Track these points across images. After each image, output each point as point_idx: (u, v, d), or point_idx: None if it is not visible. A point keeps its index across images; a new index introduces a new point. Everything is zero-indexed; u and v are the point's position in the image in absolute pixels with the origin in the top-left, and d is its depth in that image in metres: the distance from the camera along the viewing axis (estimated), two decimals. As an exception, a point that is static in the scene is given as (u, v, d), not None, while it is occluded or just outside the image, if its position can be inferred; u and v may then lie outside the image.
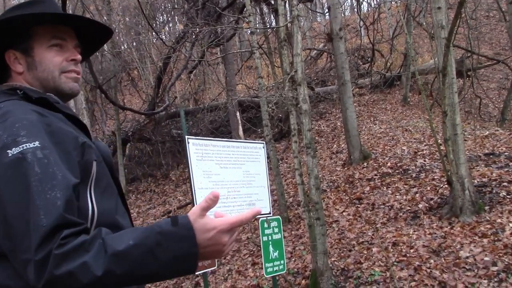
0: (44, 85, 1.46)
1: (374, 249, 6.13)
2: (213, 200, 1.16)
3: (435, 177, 7.76)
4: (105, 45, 18.13)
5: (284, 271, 4.60)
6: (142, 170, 14.54)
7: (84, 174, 1.30)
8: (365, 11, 22.10)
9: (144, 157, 15.22)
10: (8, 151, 1.17)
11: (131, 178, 14.55)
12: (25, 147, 1.18)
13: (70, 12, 14.09)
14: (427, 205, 6.91)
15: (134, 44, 20.72)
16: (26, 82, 1.46)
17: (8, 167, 1.16)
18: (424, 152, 9.15)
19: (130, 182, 14.50)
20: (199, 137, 3.56)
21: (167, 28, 21.93)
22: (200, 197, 3.28)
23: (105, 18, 14.57)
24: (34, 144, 1.19)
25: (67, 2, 7.31)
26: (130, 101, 22.44)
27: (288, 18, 6.48)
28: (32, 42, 1.46)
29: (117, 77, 15.99)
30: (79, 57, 1.52)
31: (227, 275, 7.32)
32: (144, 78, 19.10)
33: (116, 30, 19.85)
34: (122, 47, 21.08)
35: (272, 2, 12.43)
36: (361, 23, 16.93)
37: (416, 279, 5.18)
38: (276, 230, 4.01)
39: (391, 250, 5.97)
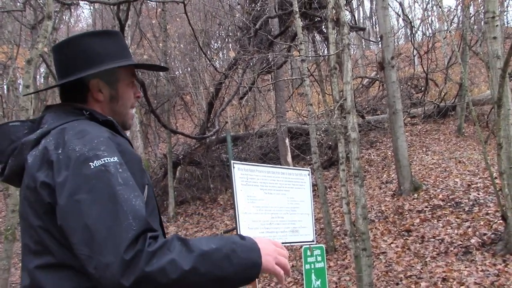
0: (116, 117, 1.57)
1: (423, 284, 5.94)
2: None
3: (489, 212, 7.47)
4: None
5: (327, 301, 4.51)
6: (191, 193, 14.71)
7: None
8: (419, 40, 21.82)
9: (193, 180, 15.41)
10: (90, 163, 1.27)
11: (180, 201, 14.73)
12: (106, 161, 1.28)
13: (129, 38, 14.68)
14: (480, 240, 6.64)
15: (188, 69, 21.27)
16: (102, 110, 1.56)
17: (91, 177, 1.25)
18: (478, 185, 8.83)
19: (179, 205, 14.69)
20: (244, 162, 3.60)
21: (220, 55, 22.40)
22: (244, 221, 3.30)
23: (160, 45, 15.06)
24: (114, 159, 1.30)
25: (125, 29, 7.63)
26: (183, 125, 22.93)
27: (339, 46, 6.51)
28: (118, 77, 1.58)
29: (171, 101, 16.40)
30: (141, 94, 1.69)
31: (270, 302, 7.26)
32: (197, 103, 19.51)
33: (172, 56, 20.46)
34: (177, 73, 21.69)
35: (324, 31, 12.51)
36: (415, 52, 16.71)
37: (467, 317, 4.97)
38: (319, 258, 3.96)
39: (441, 285, 5.77)
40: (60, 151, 1.31)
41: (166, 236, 1.61)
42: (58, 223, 1.26)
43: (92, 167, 1.26)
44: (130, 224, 1.19)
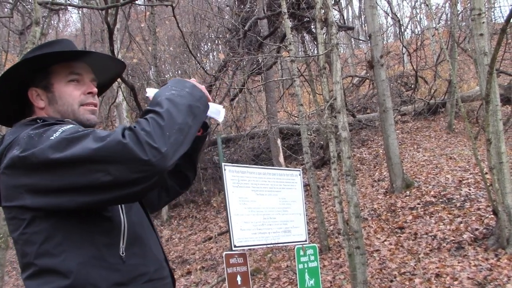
0: (64, 117, 1.58)
1: (417, 280, 5.97)
2: None
3: (481, 207, 7.53)
4: (151, 74, 18.72)
5: (322, 300, 4.53)
6: (184, 196, 14.67)
7: None
8: (408, 38, 21.90)
9: (186, 183, 15.34)
10: (50, 137, 1.32)
11: (173, 204, 14.70)
12: (65, 127, 1.37)
13: (118, 42, 14.63)
14: (472, 235, 6.69)
15: (179, 72, 21.21)
16: (48, 115, 1.57)
17: (58, 139, 1.31)
18: (469, 180, 8.89)
19: (173, 208, 14.67)
20: (235, 164, 3.61)
21: (210, 57, 22.39)
22: (236, 223, 3.31)
23: (150, 48, 15.03)
24: (71, 126, 1.40)
25: (114, 33, 7.60)
26: (174, 128, 22.84)
27: (328, 46, 6.53)
28: (52, 79, 1.58)
29: (161, 104, 16.34)
30: (95, 90, 1.65)
31: (266, 303, 7.26)
32: (188, 106, 19.40)
33: (162, 59, 20.43)
34: (167, 76, 21.65)
35: (313, 31, 12.54)
36: (404, 50, 16.80)
37: (460, 312, 5.00)
38: (312, 258, 3.98)
39: (434, 281, 5.80)
40: (17, 147, 1.36)
41: (159, 238, 1.66)
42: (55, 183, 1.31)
43: (54, 137, 1.32)
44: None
